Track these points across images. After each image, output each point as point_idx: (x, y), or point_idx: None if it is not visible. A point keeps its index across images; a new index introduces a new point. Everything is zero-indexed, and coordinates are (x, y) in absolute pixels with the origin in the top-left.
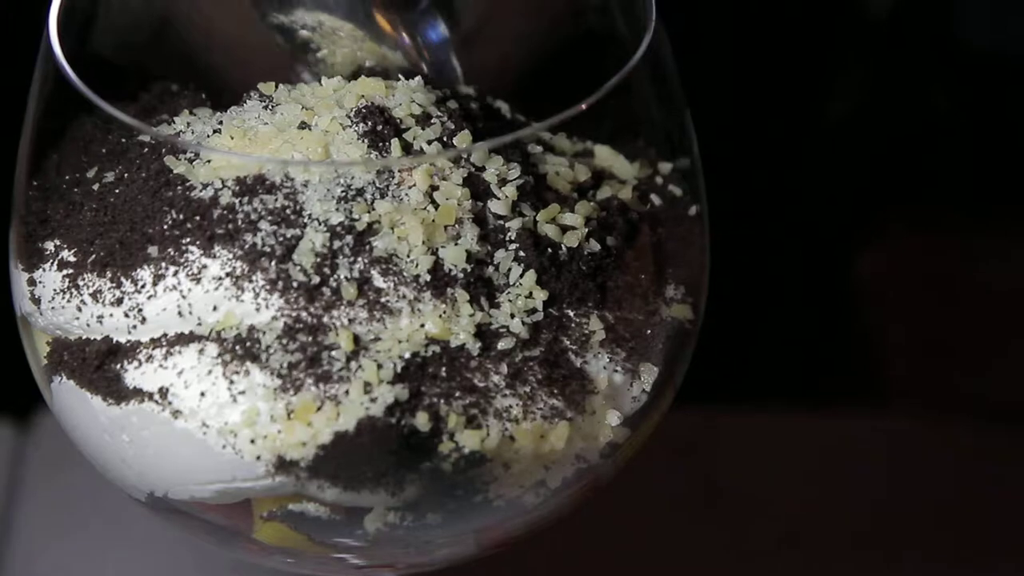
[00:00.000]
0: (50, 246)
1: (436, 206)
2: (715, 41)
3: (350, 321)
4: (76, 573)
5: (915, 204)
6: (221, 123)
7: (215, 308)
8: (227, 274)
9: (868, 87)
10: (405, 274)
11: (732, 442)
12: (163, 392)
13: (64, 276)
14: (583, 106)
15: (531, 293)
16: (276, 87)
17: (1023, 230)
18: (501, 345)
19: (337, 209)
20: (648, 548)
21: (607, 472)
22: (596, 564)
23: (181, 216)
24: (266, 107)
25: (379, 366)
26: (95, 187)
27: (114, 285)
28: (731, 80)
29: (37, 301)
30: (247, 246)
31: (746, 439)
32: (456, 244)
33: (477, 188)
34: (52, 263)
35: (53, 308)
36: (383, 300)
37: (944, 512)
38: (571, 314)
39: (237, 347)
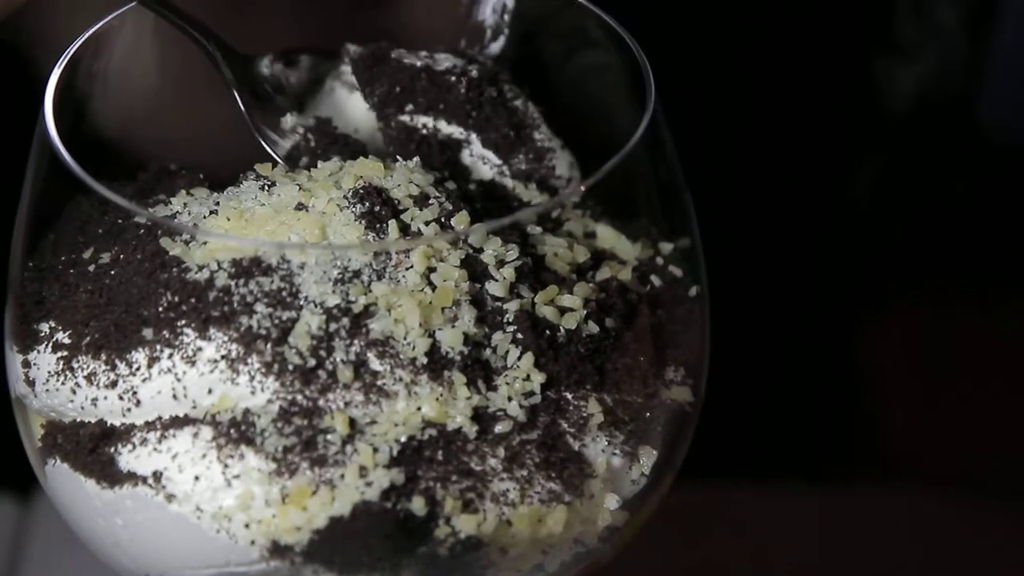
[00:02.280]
0: (45, 328)
1: (433, 288)
2: (725, 120)
3: (346, 404)
4: None
5: (919, 284)
6: (218, 204)
7: (210, 391)
8: (222, 357)
9: (882, 172)
10: (402, 357)
11: (733, 522)
12: (157, 476)
13: (59, 358)
14: (582, 187)
15: (529, 376)
16: (273, 167)
17: None
18: (498, 428)
19: (333, 291)
20: None
21: (606, 555)
22: None
23: (176, 298)
24: (263, 188)
25: (375, 450)
26: (91, 268)
27: (108, 367)
28: (737, 160)
29: (32, 383)
30: (242, 328)
31: (747, 519)
32: (453, 326)
33: (475, 269)
34: (47, 345)
35: (47, 390)
36: (379, 383)
37: None
38: (569, 397)
39: (232, 430)
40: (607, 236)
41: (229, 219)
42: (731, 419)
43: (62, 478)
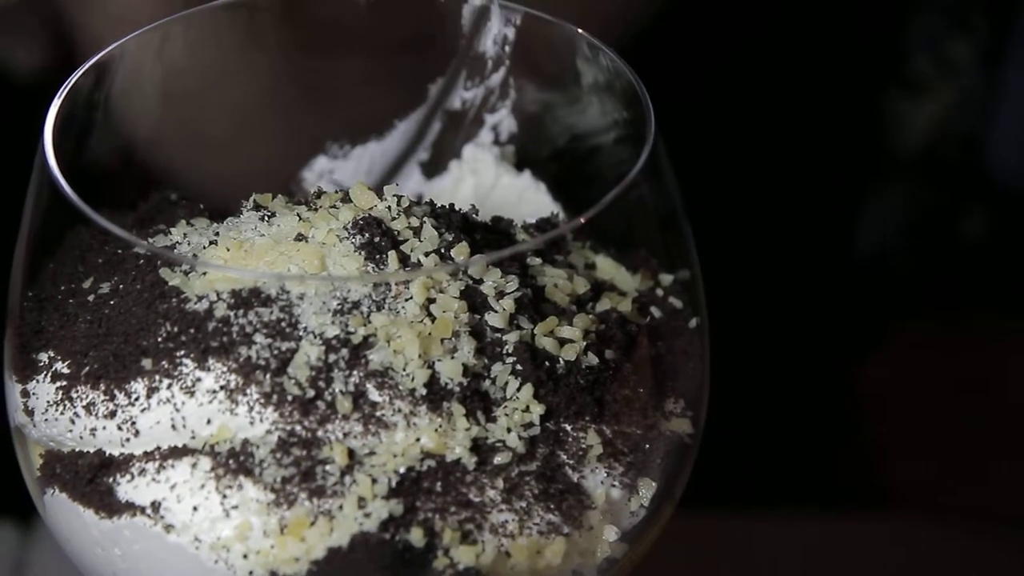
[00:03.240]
0: (44, 357)
1: (433, 319)
2: (731, 150)
3: (345, 435)
4: None
5: (920, 316)
6: (217, 234)
7: (209, 421)
8: (221, 387)
9: (888, 206)
10: (401, 388)
11: (734, 553)
12: (155, 506)
13: (57, 388)
14: (582, 219)
15: (528, 407)
16: (273, 197)
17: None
18: (497, 460)
19: (333, 322)
20: None
21: None
22: None
23: (175, 328)
24: (262, 218)
25: (373, 480)
26: (90, 298)
27: (107, 398)
28: (740, 190)
29: (31, 413)
30: (241, 359)
31: (748, 549)
32: (452, 357)
33: (474, 301)
34: (46, 375)
35: (46, 420)
36: (378, 414)
37: None
38: (568, 428)
39: (230, 461)
40: (607, 267)
41: (228, 249)
42: (730, 449)
43: (60, 508)
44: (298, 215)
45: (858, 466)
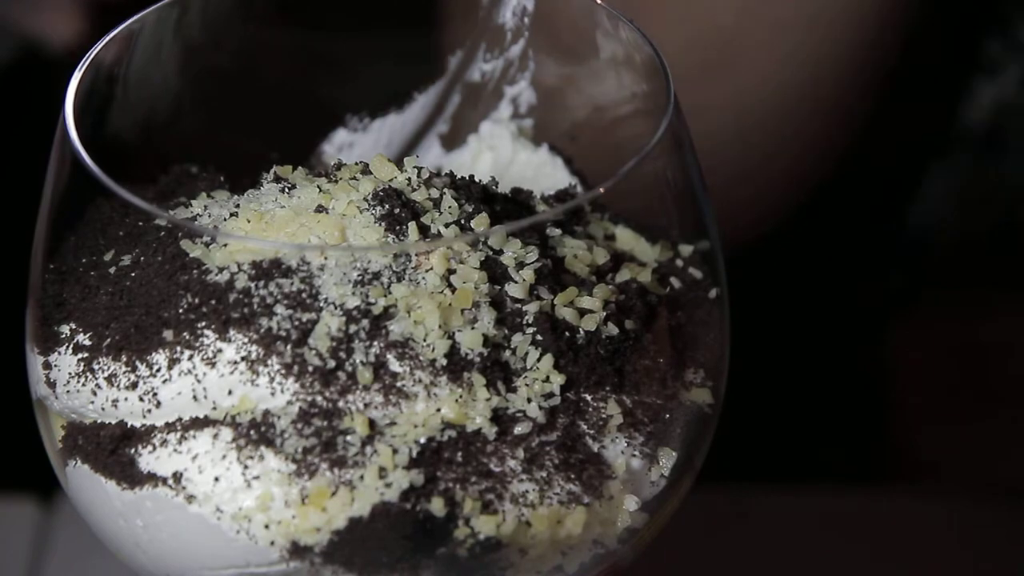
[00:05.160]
0: (66, 329)
1: (453, 290)
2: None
3: (365, 406)
4: None
5: (949, 286)
6: (238, 206)
7: (230, 392)
8: (242, 358)
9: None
10: (421, 358)
11: (754, 526)
12: (177, 477)
13: (79, 360)
14: (600, 189)
15: (548, 377)
16: (293, 169)
17: None
18: (518, 430)
19: (353, 293)
20: None
21: (625, 556)
22: None
23: (197, 300)
24: (283, 190)
25: (394, 451)
26: (111, 270)
27: (129, 369)
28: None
29: (52, 385)
30: (262, 330)
31: (769, 523)
32: (473, 328)
33: (494, 271)
34: (68, 347)
35: (68, 392)
36: (399, 384)
37: None
38: (588, 398)
39: (252, 432)
40: (626, 238)
41: (249, 221)
42: (751, 422)
43: (82, 479)
44: (318, 187)
45: (881, 440)
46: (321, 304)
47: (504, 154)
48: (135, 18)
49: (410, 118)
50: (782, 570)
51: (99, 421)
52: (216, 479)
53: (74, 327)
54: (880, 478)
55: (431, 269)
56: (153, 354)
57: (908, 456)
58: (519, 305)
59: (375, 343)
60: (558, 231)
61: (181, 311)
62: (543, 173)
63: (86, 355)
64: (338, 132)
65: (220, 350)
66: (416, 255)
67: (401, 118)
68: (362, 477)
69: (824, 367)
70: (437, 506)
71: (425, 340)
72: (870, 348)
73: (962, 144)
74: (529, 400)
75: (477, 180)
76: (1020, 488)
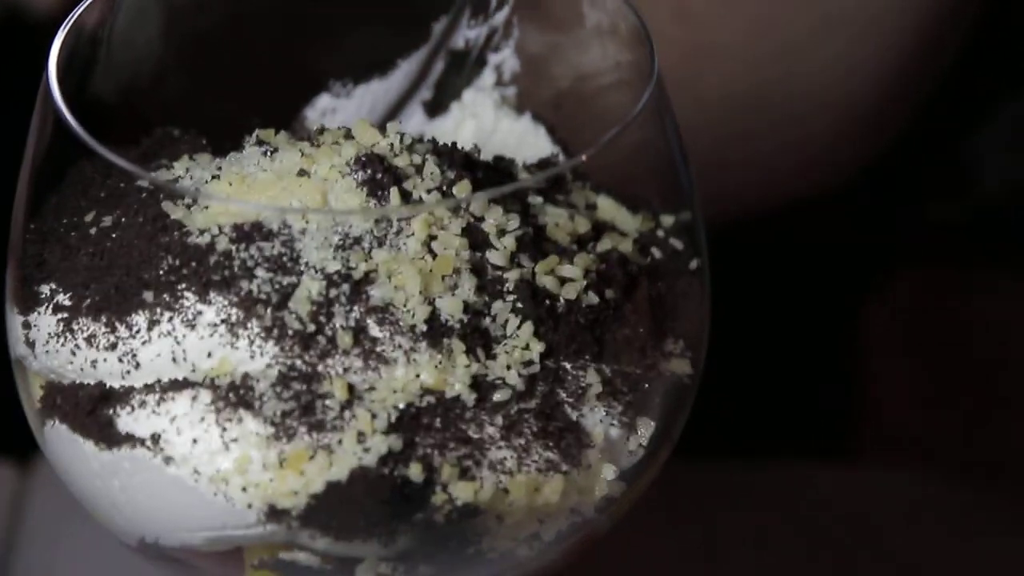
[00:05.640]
0: (46, 290)
1: (434, 256)
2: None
3: (345, 370)
4: None
5: (924, 265)
6: (220, 169)
7: (209, 355)
8: (222, 321)
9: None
10: (401, 324)
11: (730, 498)
12: (155, 438)
13: (59, 320)
14: (583, 157)
15: (528, 345)
16: (276, 133)
17: None
18: (496, 397)
19: (334, 257)
20: None
21: (602, 525)
22: None
23: (177, 262)
24: (265, 153)
25: (373, 416)
26: (92, 231)
27: (108, 330)
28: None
29: (31, 344)
30: (243, 293)
31: (744, 495)
32: (453, 294)
33: (476, 238)
34: (47, 307)
35: (47, 352)
36: (378, 349)
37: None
38: (568, 367)
39: (230, 394)
40: (608, 208)
41: (231, 184)
42: (730, 395)
43: (60, 439)
44: (300, 151)
45: (857, 415)
46: (302, 268)
47: (487, 122)
48: None
49: (393, 84)
50: (758, 541)
51: (78, 381)
52: (194, 441)
53: (54, 287)
54: (854, 451)
55: (412, 235)
56: (133, 315)
57: (883, 432)
58: (500, 272)
59: (355, 308)
60: (540, 199)
61: (161, 273)
62: (526, 142)
63: (66, 315)
64: (321, 97)
65: (200, 312)
66: (397, 220)
67: (384, 84)
68: (340, 441)
69: (802, 340)
70: (415, 472)
71: (405, 306)
72: (847, 320)
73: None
74: (508, 367)
75: (460, 147)
76: (995, 464)
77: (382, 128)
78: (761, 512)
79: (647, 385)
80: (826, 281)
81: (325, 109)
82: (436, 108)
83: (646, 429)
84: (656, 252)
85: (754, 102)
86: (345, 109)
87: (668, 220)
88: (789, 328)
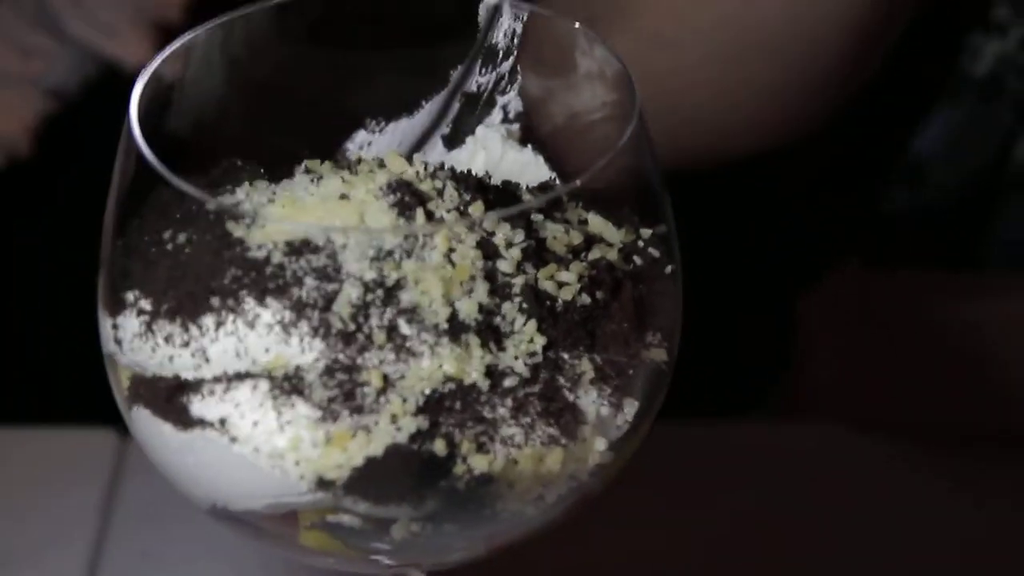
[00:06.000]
0: (130, 296)
1: (453, 265)
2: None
3: (380, 362)
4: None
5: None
6: (275, 194)
7: (267, 350)
8: (277, 322)
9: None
10: (426, 323)
11: (696, 455)
12: (222, 421)
13: (141, 322)
14: (577, 182)
15: (532, 339)
16: (321, 163)
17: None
18: (506, 383)
19: (370, 268)
20: (630, 544)
21: (595, 488)
22: (579, 552)
23: (239, 272)
24: (312, 180)
25: (404, 400)
26: (169, 247)
27: (183, 330)
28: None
29: (119, 342)
30: (294, 298)
31: (704, 451)
32: (470, 297)
33: (488, 250)
34: (132, 311)
35: (132, 349)
36: (408, 345)
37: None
38: (565, 357)
39: (285, 384)
40: (597, 223)
41: (284, 207)
42: (691, 371)
43: (144, 422)
44: (342, 178)
45: (797, 386)
46: (343, 277)
47: (495, 153)
48: (189, 36)
49: (418, 122)
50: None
51: (158, 374)
52: (255, 423)
53: (137, 294)
54: (790, 416)
55: (435, 248)
56: (203, 318)
57: (820, 398)
58: (508, 278)
59: (388, 310)
60: (540, 217)
61: (226, 282)
62: (528, 169)
63: (147, 318)
64: (359, 133)
65: (258, 315)
66: (422, 236)
67: (411, 122)
68: (377, 422)
69: (751, 326)
70: (439, 447)
71: (430, 307)
72: (788, 306)
73: (965, 87)
74: (516, 358)
75: (474, 174)
76: (932, 425)
77: (409, 159)
78: (714, 466)
79: (631, 371)
80: (774, 276)
81: (362, 142)
82: (453, 141)
83: (631, 408)
84: (637, 259)
85: (719, 48)
86: (379, 142)
87: (647, 233)
88: (741, 314)
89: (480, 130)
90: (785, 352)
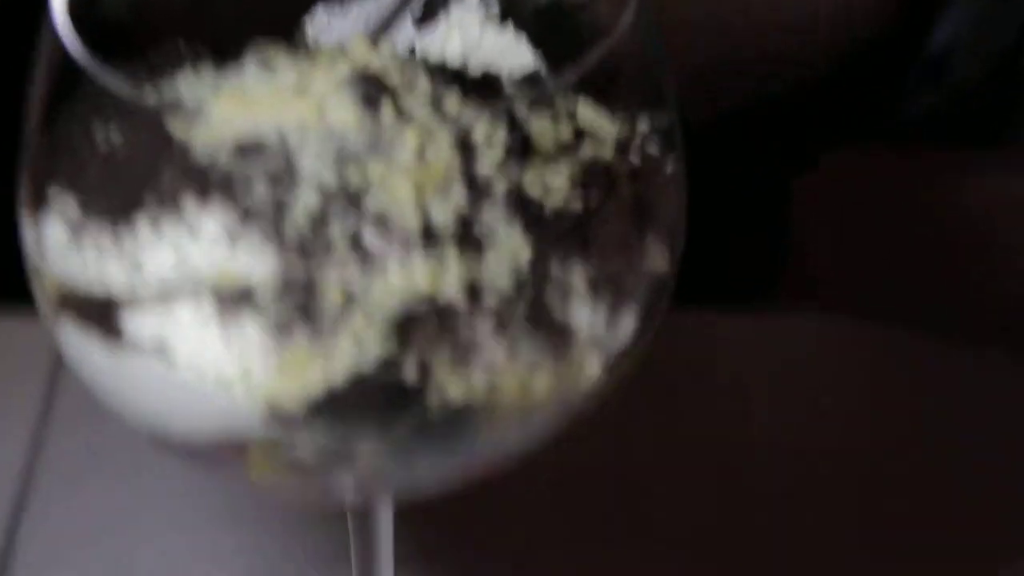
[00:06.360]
0: (58, 202)
1: (426, 166)
2: None
3: (341, 277)
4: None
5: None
6: (221, 85)
7: (212, 264)
8: (224, 232)
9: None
10: (395, 232)
11: (689, 347)
12: (161, 343)
13: (69, 230)
14: (571, 76)
15: (516, 250)
16: (275, 49)
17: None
18: (487, 300)
19: (330, 170)
20: (614, 459)
21: (587, 411)
22: (569, 472)
23: (181, 175)
24: (264, 70)
25: (369, 321)
26: (101, 146)
27: (116, 240)
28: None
29: (43, 251)
30: (243, 205)
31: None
32: (444, 203)
33: (465, 148)
34: (59, 218)
35: (59, 258)
36: (373, 257)
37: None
38: (554, 268)
39: (232, 301)
40: (588, 116)
41: (231, 100)
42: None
43: (74, 343)
44: (298, 68)
45: (794, 275)
46: (299, 180)
47: (472, 35)
48: None
49: (385, 1)
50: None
51: (87, 288)
52: (198, 346)
53: (65, 199)
54: (790, 303)
55: (404, 147)
56: (139, 227)
57: (818, 287)
58: (488, 180)
59: (350, 217)
60: (525, 110)
61: (165, 186)
62: (509, 54)
63: (75, 226)
64: (318, 13)
65: (203, 224)
66: (390, 133)
67: (377, 0)
68: (338, 346)
69: (750, 220)
70: (410, 373)
71: (399, 214)
72: (787, 200)
73: None
74: (498, 272)
75: (448, 63)
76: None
77: (375, 43)
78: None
79: (628, 284)
80: (774, 166)
81: (322, 24)
82: (425, 22)
83: (627, 324)
84: (634, 157)
85: None
86: (341, 24)
87: (645, 126)
88: (740, 207)
89: (455, 8)
90: (781, 240)
